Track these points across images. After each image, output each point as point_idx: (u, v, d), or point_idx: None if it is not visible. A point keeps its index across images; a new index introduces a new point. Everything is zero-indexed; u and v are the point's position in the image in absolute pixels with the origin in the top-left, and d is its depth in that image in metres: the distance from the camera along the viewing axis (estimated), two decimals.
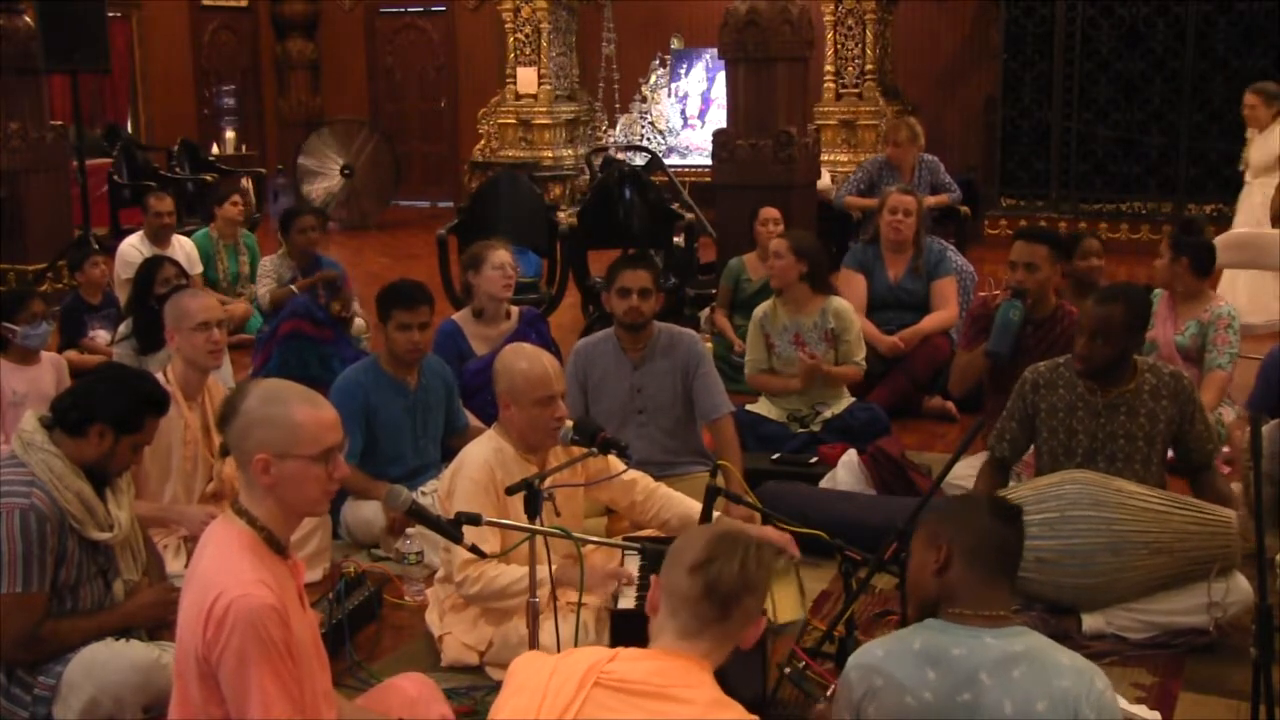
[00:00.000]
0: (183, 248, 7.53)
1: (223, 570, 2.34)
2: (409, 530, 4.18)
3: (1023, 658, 2.18)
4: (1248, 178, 7.56)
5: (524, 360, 3.52)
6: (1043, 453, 3.95)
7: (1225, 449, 4.80)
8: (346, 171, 13.19)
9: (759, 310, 5.54)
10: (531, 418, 3.47)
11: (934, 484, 3.51)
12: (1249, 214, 7.45)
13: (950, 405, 6.02)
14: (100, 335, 6.57)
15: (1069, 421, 3.86)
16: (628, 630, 2.98)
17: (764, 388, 5.52)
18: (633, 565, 3.50)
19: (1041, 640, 2.24)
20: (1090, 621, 3.66)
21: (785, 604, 3.49)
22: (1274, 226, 7.55)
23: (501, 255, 5.29)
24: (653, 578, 2.16)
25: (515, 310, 5.45)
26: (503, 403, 3.53)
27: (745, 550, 2.08)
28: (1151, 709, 3.26)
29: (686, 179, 10.61)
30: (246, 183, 11.70)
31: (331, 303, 6.30)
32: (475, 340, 5.25)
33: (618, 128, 12.69)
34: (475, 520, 2.84)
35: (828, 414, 5.35)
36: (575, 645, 3.02)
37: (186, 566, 2.74)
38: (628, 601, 3.35)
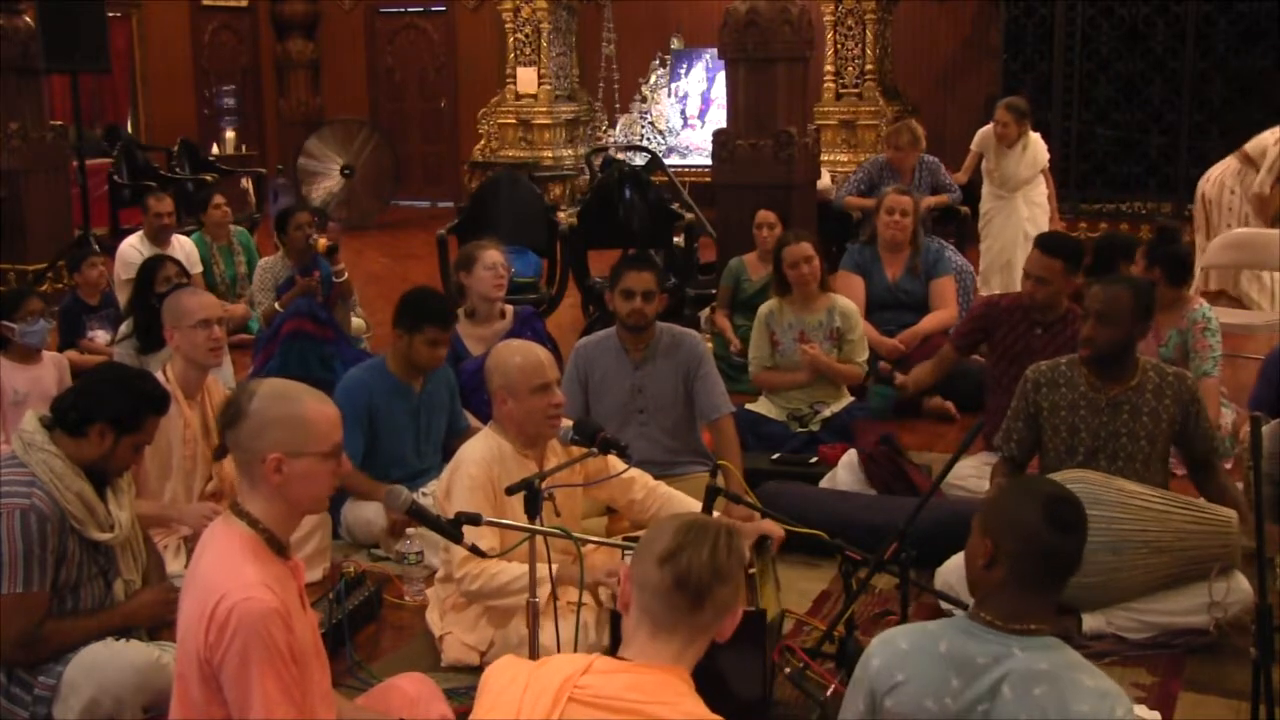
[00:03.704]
0: (183, 248, 7.52)
1: (224, 573, 2.34)
2: (409, 530, 4.18)
3: (1046, 677, 2.13)
4: (1002, 193, 7.68)
5: (517, 354, 3.54)
6: (1047, 451, 3.95)
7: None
8: (346, 171, 13.19)
9: (764, 308, 5.55)
10: (529, 408, 3.48)
11: (934, 484, 3.51)
12: (1015, 226, 7.60)
13: (950, 405, 6.02)
14: (99, 336, 6.57)
15: (1071, 419, 3.86)
16: None
17: (769, 384, 5.52)
18: None
19: (1069, 657, 2.17)
20: (1090, 621, 3.66)
21: (768, 601, 3.48)
22: (1275, 226, 7.59)
23: (493, 255, 5.30)
24: (622, 572, 2.12)
25: (510, 310, 5.46)
26: (498, 399, 3.54)
27: (714, 538, 2.01)
28: (1151, 709, 3.26)
29: (686, 179, 10.61)
30: (246, 183, 11.70)
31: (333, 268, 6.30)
32: (470, 340, 5.26)
33: (618, 128, 12.69)
34: (475, 520, 2.84)
35: (827, 413, 5.36)
36: (575, 645, 3.02)
37: (186, 567, 2.74)
38: None
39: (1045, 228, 7.30)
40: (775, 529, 3.62)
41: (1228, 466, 4.82)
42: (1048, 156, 7.75)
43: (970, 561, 2.29)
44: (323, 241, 6.35)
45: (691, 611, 1.99)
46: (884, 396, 5.01)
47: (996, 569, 2.21)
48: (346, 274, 6.46)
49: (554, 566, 2.95)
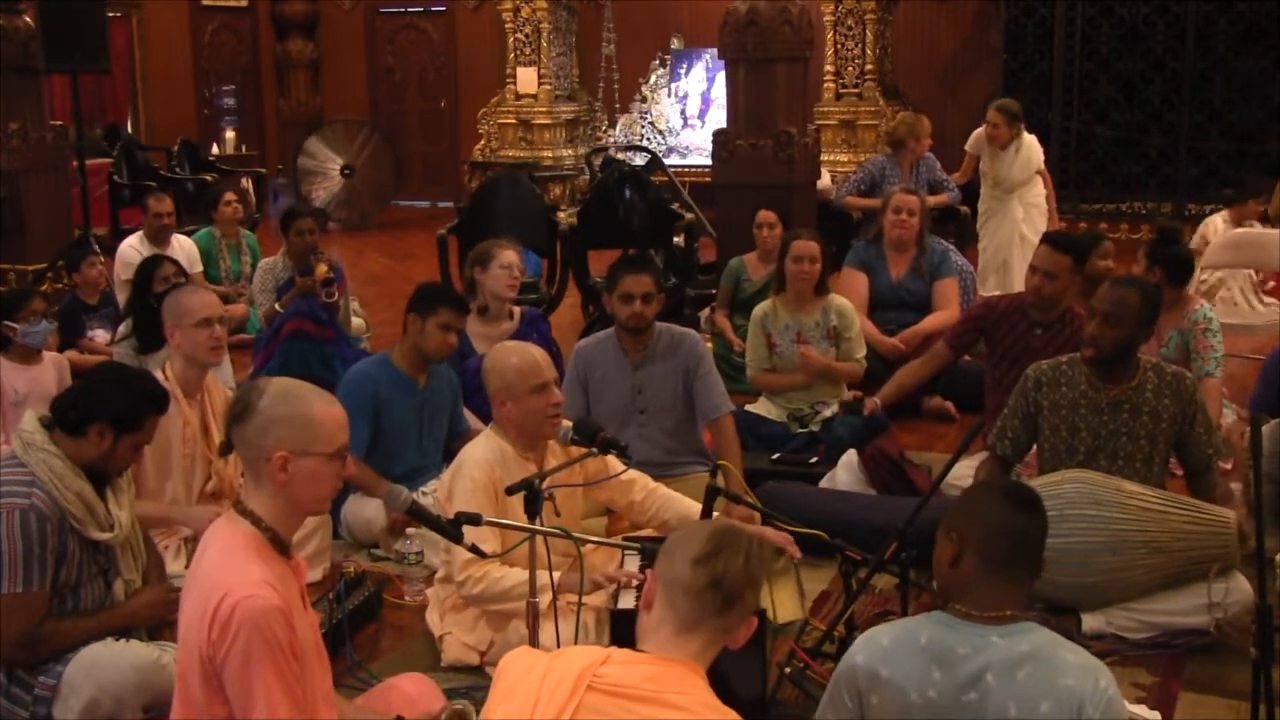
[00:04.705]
0: (183, 247, 7.53)
1: (227, 571, 2.34)
2: (409, 530, 4.18)
3: (1028, 658, 2.16)
4: (998, 194, 7.71)
5: (513, 355, 3.56)
6: (1045, 450, 3.95)
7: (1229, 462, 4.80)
8: (346, 171, 13.19)
9: (759, 310, 5.56)
10: (529, 409, 3.48)
11: (934, 484, 3.51)
12: (1011, 227, 7.64)
13: (950, 405, 6.02)
14: (99, 335, 6.57)
15: (1071, 419, 3.86)
16: (628, 630, 2.97)
17: (767, 386, 5.53)
18: (632, 565, 3.51)
19: (1048, 637, 2.21)
20: (1090, 621, 3.66)
21: (785, 604, 3.49)
22: (1275, 226, 7.60)
23: (510, 255, 5.36)
24: (648, 572, 2.15)
25: (517, 310, 5.48)
26: (497, 401, 3.54)
27: (748, 545, 2.07)
28: (1151, 709, 3.27)
29: (686, 179, 10.62)
30: (246, 183, 11.69)
31: (326, 290, 6.26)
32: (477, 339, 5.26)
33: (618, 128, 12.70)
34: (475, 520, 2.84)
35: (827, 413, 5.35)
36: (575, 645, 3.02)
37: (187, 567, 2.74)
38: (628, 601, 3.34)
39: (1042, 228, 7.31)
40: (785, 540, 3.59)
41: (1227, 467, 4.83)
42: (1042, 158, 7.77)
43: (937, 566, 2.34)
44: (321, 269, 6.33)
45: (720, 613, 2.04)
46: (849, 426, 5.03)
47: (964, 562, 2.26)
48: (336, 297, 6.46)
49: (557, 575, 2.96)
